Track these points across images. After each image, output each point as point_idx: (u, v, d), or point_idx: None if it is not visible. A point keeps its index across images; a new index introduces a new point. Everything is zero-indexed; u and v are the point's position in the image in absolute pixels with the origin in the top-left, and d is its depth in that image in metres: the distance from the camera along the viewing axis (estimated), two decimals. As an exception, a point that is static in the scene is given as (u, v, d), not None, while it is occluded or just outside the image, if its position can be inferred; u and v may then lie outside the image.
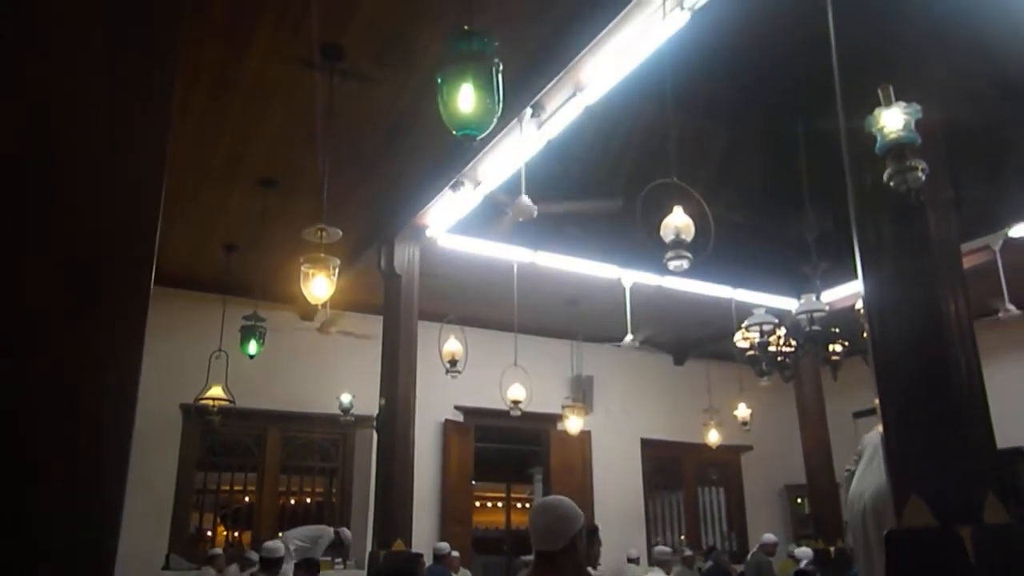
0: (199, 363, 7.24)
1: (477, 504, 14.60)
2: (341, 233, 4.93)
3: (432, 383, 7.38)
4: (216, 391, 7.13)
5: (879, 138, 2.54)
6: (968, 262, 7.29)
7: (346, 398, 7.61)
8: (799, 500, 11.10)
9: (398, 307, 6.85)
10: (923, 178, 2.54)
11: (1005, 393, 8.70)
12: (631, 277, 7.79)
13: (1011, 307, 7.03)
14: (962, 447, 2.54)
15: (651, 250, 4.36)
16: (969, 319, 2.68)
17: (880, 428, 2.87)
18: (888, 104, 2.52)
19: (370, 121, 5.46)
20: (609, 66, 4.60)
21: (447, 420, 9.28)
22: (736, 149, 7.73)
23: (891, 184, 2.57)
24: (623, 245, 7.24)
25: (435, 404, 8.87)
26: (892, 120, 2.52)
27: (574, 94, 4.89)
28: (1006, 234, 6.99)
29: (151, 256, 1.31)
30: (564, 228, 7.28)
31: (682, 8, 4.06)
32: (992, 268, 7.06)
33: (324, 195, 5.11)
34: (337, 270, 4.88)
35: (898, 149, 2.53)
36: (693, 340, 10.49)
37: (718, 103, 7.16)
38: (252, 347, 6.97)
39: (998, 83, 5.95)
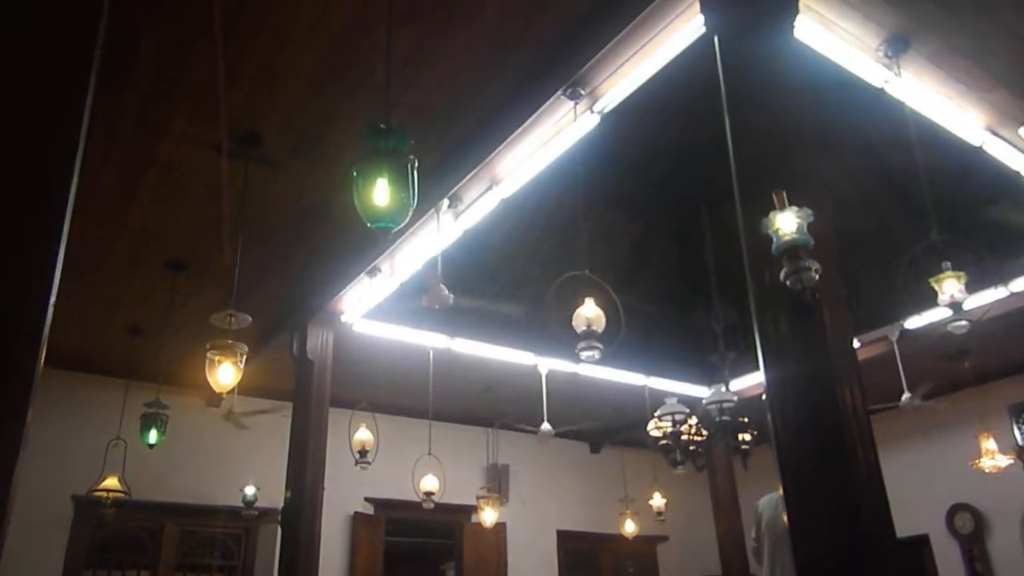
0: (95, 451, 6.87)
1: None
2: (251, 319, 4.84)
3: (341, 474, 7.17)
4: (111, 482, 6.75)
5: (775, 240, 2.66)
6: (867, 353, 7.70)
7: (250, 490, 7.31)
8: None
9: (309, 393, 6.70)
10: (817, 278, 2.66)
11: (908, 481, 9.10)
12: (547, 364, 7.85)
13: (908, 396, 7.32)
14: (862, 539, 2.59)
15: (564, 339, 4.42)
16: (865, 411, 2.78)
17: (778, 492, 2.92)
18: (782, 208, 2.65)
19: (286, 207, 5.44)
20: (524, 162, 4.74)
21: (356, 513, 8.97)
22: (649, 240, 8.00)
23: (787, 283, 2.68)
24: (540, 332, 7.31)
25: (344, 496, 8.59)
26: (786, 223, 2.65)
27: (491, 187, 5.01)
28: (902, 325, 7.36)
29: (38, 339, 1.26)
30: (481, 313, 7.32)
31: (592, 111, 4.24)
32: (890, 359, 7.41)
33: (235, 280, 5.02)
34: (245, 357, 4.77)
35: (793, 250, 2.65)
36: (608, 428, 10.53)
37: (631, 196, 7.43)
38: (152, 436, 6.66)
39: (886, 183, 6.37)
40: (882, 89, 4.31)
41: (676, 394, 7.05)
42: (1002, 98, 4.54)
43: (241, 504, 7.33)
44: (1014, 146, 4.94)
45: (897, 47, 3.98)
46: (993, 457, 7.56)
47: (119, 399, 7.12)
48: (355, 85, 4.24)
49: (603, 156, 5.39)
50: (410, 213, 2.85)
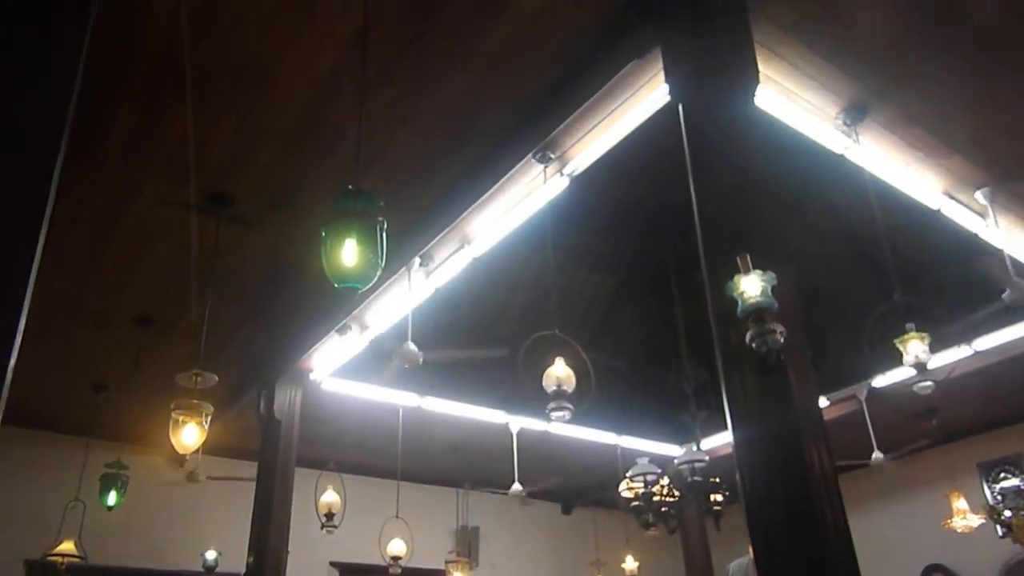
0: (52, 513, 6.66)
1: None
2: (217, 379, 4.79)
3: (306, 537, 7.02)
4: (67, 546, 6.52)
5: (740, 303, 2.69)
6: (837, 411, 7.76)
7: (211, 555, 7.11)
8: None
9: (275, 454, 6.58)
10: (782, 340, 2.69)
11: (882, 541, 9.08)
12: (518, 422, 7.80)
13: (879, 454, 7.35)
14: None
15: (535, 399, 4.41)
16: (833, 471, 2.79)
17: (748, 555, 2.91)
18: (746, 272, 2.69)
19: (255, 265, 5.43)
20: (495, 222, 4.79)
21: (321, 577, 8.76)
22: (620, 299, 8.05)
23: (753, 345, 2.71)
24: (511, 390, 7.29)
25: (308, 561, 8.37)
26: (751, 286, 2.69)
27: (462, 246, 5.04)
28: (870, 384, 7.42)
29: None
30: (453, 372, 7.29)
31: (562, 174, 4.32)
32: (859, 417, 7.46)
33: (202, 338, 4.98)
34: (210, 417, 4.70)
35: (757, 313, 2.69)
36: (580, 488, 10.42)
37: (603, 256, 7.52)
38: (111, 498, 6.48)
39: (851, 244, 6.51)
40: (842, 155, 4.43)
41: (648, 453, 7.04)
42: (957, 164, 4.69)
43: (201, 569, 7.12)
44: (971, 209, 5.09)
45: (854, 116, 4.12)
46: (964, 516, 7.58)
47: (79, 459, 6.95)
48: (329, 146, 4.29)
49: (574, 216, 5.47)
50: (378, 274, 2.86)
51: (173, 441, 4.68)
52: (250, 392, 6.94)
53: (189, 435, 4.64)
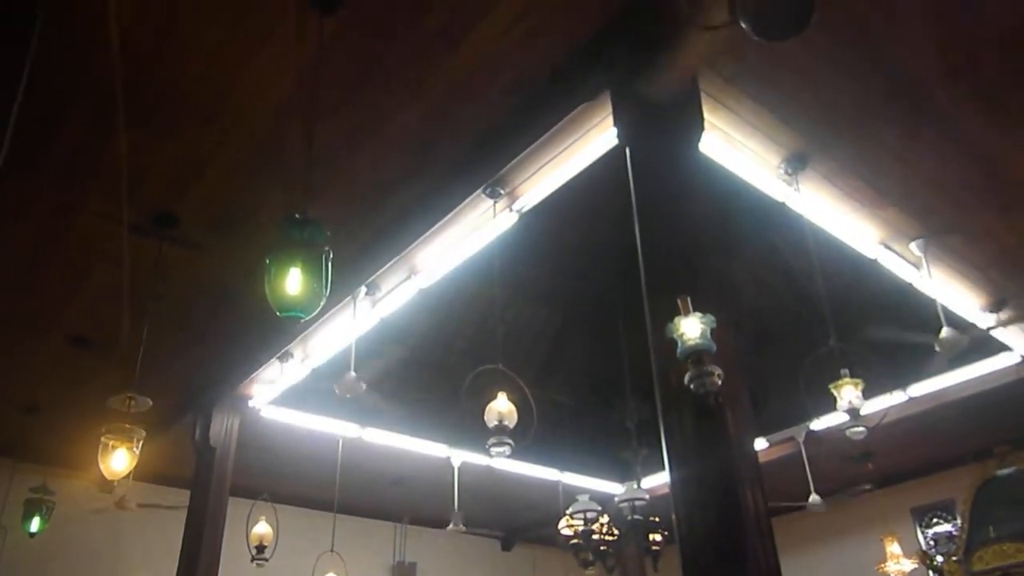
0: (-29, 540, 6.39)
1: None
2: (151, 402, 4.67)
3: (237, 570, 6.82)
4: (-16, 575, 6.27)
5: (679, 344, 2.73)
6: (776, 453, 7.87)
7: (136, 586, 6.88)
8: None
9: (209, 482, 6.41)
10: (719, 382, 2.73)
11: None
12: (460, 456, 7.74)
13: (816, 497, 7.45)
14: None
15: (477, 433, 4.39)
16: (767, 514, 2.82)
17: None
18: (687, 314, 2.74)
19: (198, 288, 5.33)
20: (444, 254, 4.80)
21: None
22: (567, 335, 8.10)
23: (691, 387, 2.75)
24: (454, 424, 7.24)
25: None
26: (690, 328, 2.73)
27: (409, 276, 5.03)
28: (807, 427, 7.56)
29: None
30: (394, 403, 7.22)
31: (511, 210, 4.35)
32: (798, 459, 7.58)
33: (138, 360, 4.86)
34: (141, 443, 4.57)
35: (696, 355, 2.73)
36: (521, 524, 10.36)
37: (550, 292, 7.56)
38: (35, 524, 6.26)
39: (792, 288, 6.66)
40: (783, 203, 4.56)
41: (590, 490, 7.02)
42: (893, 215, 4.85)
43: (127, 600, 6.88)
44: (905, 259, 5.25)
45: (796, 165, 4.24)
46: (898, 561, 7.71)
47: (3, 482, 6.69)
48: (277, 172, 4.26)
49: (524, 252, 5.51)
50: (322, 303, 2.84)
51: (102, 466, 4.54)
52: (186, 418, 6.77)
53: (119, 461, 4.51)
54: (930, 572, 7.76)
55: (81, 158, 4.15)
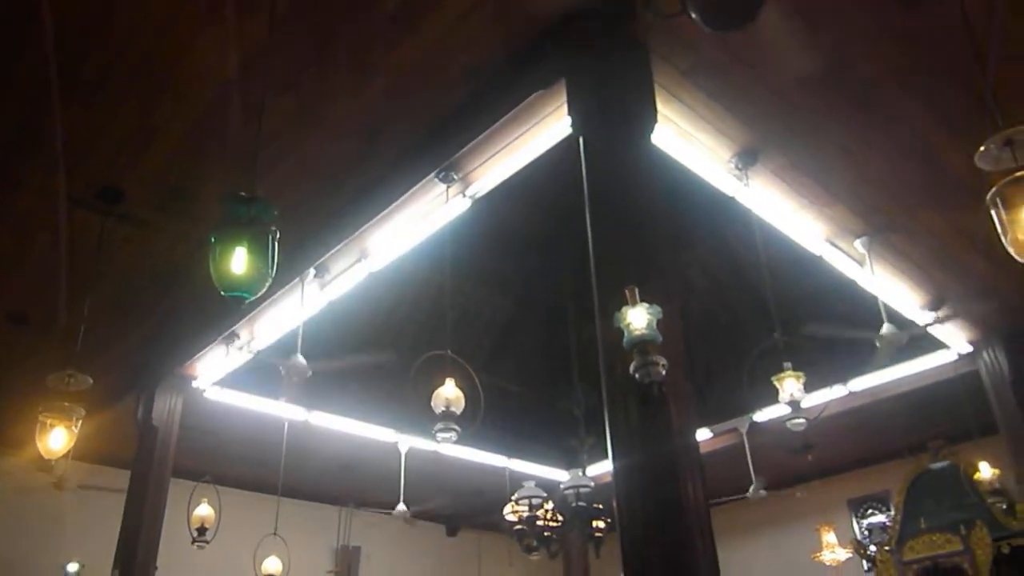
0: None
1: None
2: (91, 381, 4.55)
3: (176, 551, 6.72)
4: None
5: (626, 334, 2.76)
6: (719, 443, 8.01)
7: (72, 567, 6.73)
8: None
9: (150, 463, 6.31)
10: (663, 372, 2.77)
11: (754, 571, 9.37)
12: (408, 442, 7.73)
13: (757, 486, 7.60)
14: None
15: (424, 419, 4.38)
16: (706, 504, 2.86)
17: None
18: (634, 304, 2.76)
19: (142, 266, 5.20)
20: (395, 238, 4.76)
21: (192, 596, 8.38)
22: (518, 322, 8.12)
23: (636, 376, 2.78)
24: (401, 409, 7.21)
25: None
26: (637, 319, 2.75)
27: (360, 260, 4.98)
28: (751, 418, 7.70)
29: None
30: (344, 387, 7.16)
31: (464, 195, 4.34)
32: (741, 450, 7.72)
33: (79, 338, 4.73)
34: (80, 421, 4.46)
35: (642, 345, 2.76)
36: (467, 511, 10.38)
37: (503, 279, 7.56)
38: (-34, 504, 6.07)
39: (740, 281, 6.77)
40: (733, 197, 4.62)
41: (536, 477, 7.06)
42: (839, 213, 4.95)
43: (62, 582, 6.73)
44: (850, 256, 5.37)
45: (746, 160, 4.30)
46: (833, 551, 7.92)
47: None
48: (226, 149, 4.17)
49: (475, 238, 5.49)
50: (267, 284, 2.79)
51: (39, 445, 4.43)
52: (128, 397, 6.64)
53: (57, 440, 4.40)
54: (864, 561, 7.98)
55: (22, 132, 4.03)
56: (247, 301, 2.87)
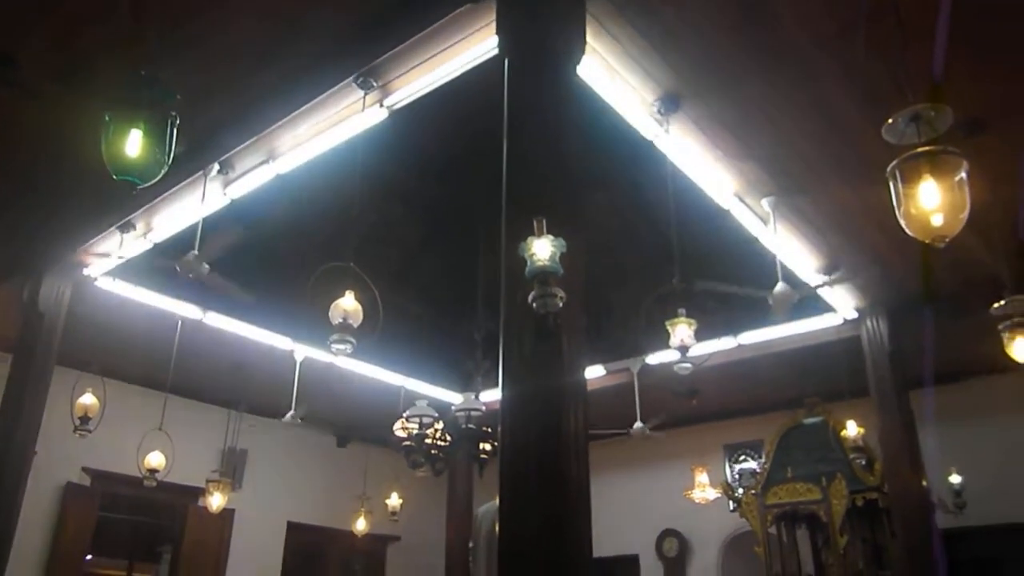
0: None
1: (92, 582, 12.98)
2: (-31, 259, 4.31)
3: (58, 438, 6.58)
4: None
5: (528, 263, 2.77)
6: (612, 380, 8.25)
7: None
8: (438, 594, 11.28)
9: (34, 348, 6.10)
10: (560, 305, 2.80)
11: (629, 505, 9.82)
12: (304, 351, 7.65)
13: (640, 424, 7.88)
14: (561, 555, 2.74)
15: (321, 329, 4.33)
16: (585, 437, 2.95)
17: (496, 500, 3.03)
18: (540, 235, 2.77)
19: (32, 139, 4.88)
20: (306, 141, 4.61)
21: (70, 483, 8.21)
22: (429, 242, 8.05)
23: (534, 306, 2.80)
24: (300, 318, 7.10)
25: (59, 463, 7.86)
26: (541, 249, 2.76)
27: (267, 160, 4.82)
28: (643, 360, 7.95)
29: None
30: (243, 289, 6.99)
31: (382, 105, 4.22)
32: (630, 389, 7.98)
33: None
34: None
35: (543, 276, 2.78)
36: (359, 423, 10.43)
37: (415, 198, 7.45)
38: None
39: (649, 226, 6.85)
40: (652, 142, 4.65)
41: (430, 398, 7.14)
42: (751, 170, 5.06)
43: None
44: (755, 214, 5.52)
45: (669, 106, 4.32)
46: (704, 490, 8.38)
47: None
48: (132, 26, 3.89)
49: (391, 152, 5.37)
50: (162, 172, 2.68)
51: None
52: (14, 279, 6.33)
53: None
54: (730, 502, 8.47)
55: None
56: (139, 187, 2.75)
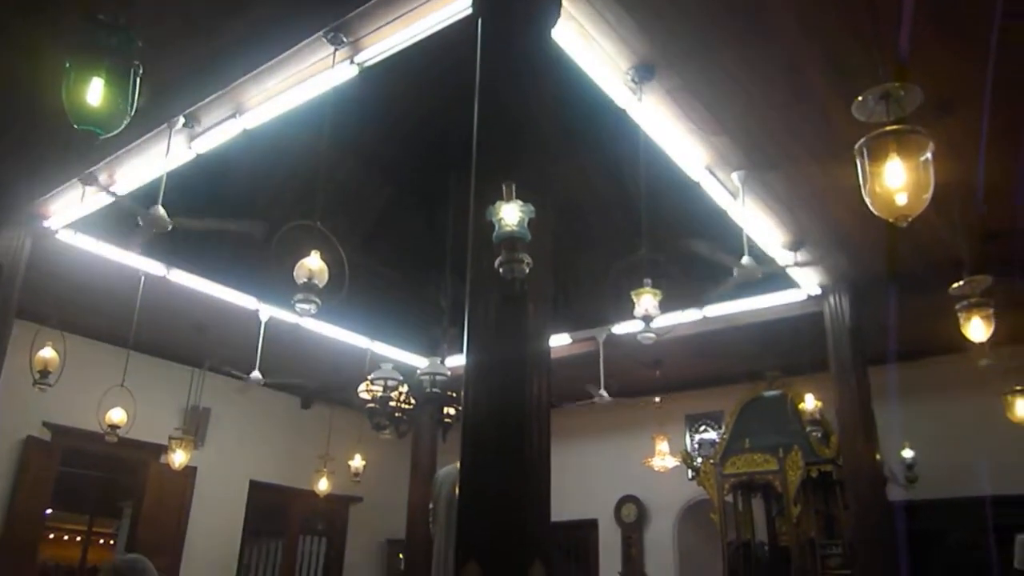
0: None
1: (51, 536, 12.91)
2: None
3: (18, 393, 6.50)
4: None
5: (496, 228, 2.76)
6: (578, 349, 8.30)
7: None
8: (400, 555, 11.34)
9: (-9, 301, 5.96)
10: (527, 271, 2.80)
11: (590, 470, 9.95)
12: (269, 311, 7.59)
13: (603, 393, 7.96)
14: (519, 519, 2.77)
15: (285, 288, 4.28)
16: (547, 403, 2.96)
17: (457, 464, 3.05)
18: (509, 200, 2.75)
19: (-7, 82, 4.73)
20: (274, 97, 4.52)
21: (30, 437, 8.11)
22: (398, 206, 7.99)
23: (500, 271, 2.80)
24: (265, 277, 7.03)
25: (19, 417, 7.76)
26: (509, 214, 2.75)
27: (234, 115, 4.72)
28: (609, 330, 8.00)
29: None
30: (208, 247, 6.89)
31: (352, 62, 4.14)
32: (595, 357, 8.04)
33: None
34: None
35: (510, 241, 2.77)
36: (323, 385, 10.39)
37: (386, 159, 7.38)
38: None
39: (620, 195, 6.85)
40: (624, 110, 4.63)
41: (395, 361, 7.13)
42: (723, 143, 5.07)
43: None
44: (725, 187, 5.54)
45: (643, 75, 4.30)
46: (664, 458, 8.52)
47: None
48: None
49: (361, 110, 5.28)
50: (124, 122, 2.61)
51: None
52: (-29, 229, 6.17)
53: None
54: (689, 471, 8.62)
55: None
56: (100, 137, 2.69)
